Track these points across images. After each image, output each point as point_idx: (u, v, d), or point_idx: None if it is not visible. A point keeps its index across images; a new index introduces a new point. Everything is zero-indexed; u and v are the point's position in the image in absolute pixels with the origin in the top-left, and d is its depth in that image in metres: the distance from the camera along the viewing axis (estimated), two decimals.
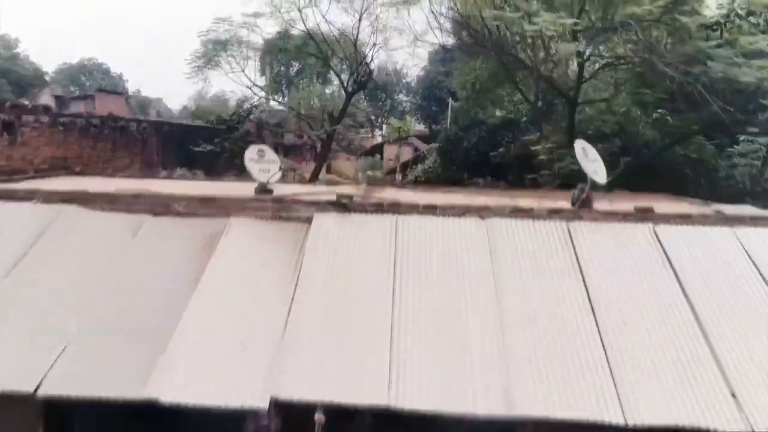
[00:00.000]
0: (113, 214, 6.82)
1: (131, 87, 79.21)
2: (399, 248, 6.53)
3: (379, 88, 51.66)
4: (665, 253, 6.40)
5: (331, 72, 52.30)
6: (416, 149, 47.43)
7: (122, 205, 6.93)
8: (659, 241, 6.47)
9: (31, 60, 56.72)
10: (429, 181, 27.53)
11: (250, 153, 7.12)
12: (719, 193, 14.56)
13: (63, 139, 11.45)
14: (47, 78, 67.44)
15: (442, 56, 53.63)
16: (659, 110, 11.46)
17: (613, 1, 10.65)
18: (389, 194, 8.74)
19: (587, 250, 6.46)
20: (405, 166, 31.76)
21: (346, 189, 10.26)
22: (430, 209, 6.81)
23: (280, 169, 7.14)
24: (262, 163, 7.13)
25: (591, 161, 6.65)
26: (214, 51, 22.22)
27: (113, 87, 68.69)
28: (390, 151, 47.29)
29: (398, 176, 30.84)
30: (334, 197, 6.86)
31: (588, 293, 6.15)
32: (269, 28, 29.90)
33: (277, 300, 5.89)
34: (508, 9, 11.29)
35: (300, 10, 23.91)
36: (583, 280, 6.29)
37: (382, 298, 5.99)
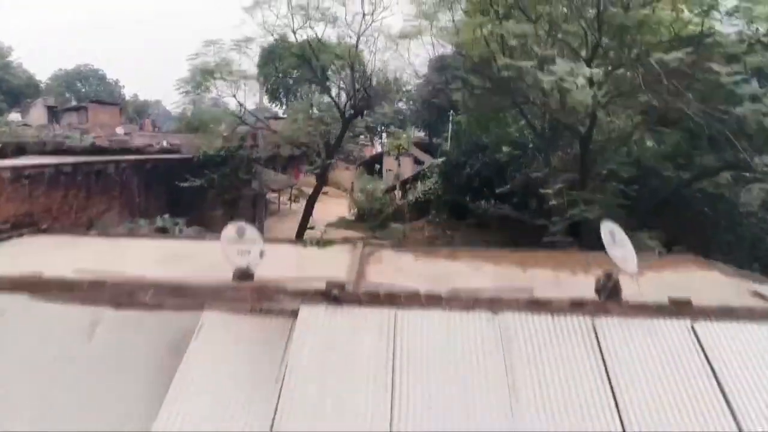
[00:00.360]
0: (69, 306, 5.95)
1: (129, 91, 78.54)
2: (398, 345, 5.68)
3: (379, 95, 51.00)
4: (705, 356, 5.56)
5: (331, 86, 51.37)
6: (416, 160, 46.61)
7: (80, 294, 6.05)
8: (698, 340, 5.62)
9: (24, 68, 55.97)
10: (429, 201, 26.83)
11: (228, 232, 6.23)
12: (740, 232, 13.70)
13: (28, 193, 10.41)
14: (42, 85, 66.77)
15: (441, 64, 52.95)
16: (679, 151, 10.64)
17: (631, 35, 9.81)
18: (387, 264, 7.84)
19: (615, 350, 5.61)
20: (405, 184, 30.89)
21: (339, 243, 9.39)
22: (434, 300, 5.94)
23: (261, 254, 6.24)
24: (242, 243, 6.26)
25: (619, 246, 5.78)
26: (203, 78, 21.29)
27: (109, 93, 67.97)
28: (390, 162, 46.45)
29: (398, 194, 30.00)
30: (323, 286, 5.99)
31: (615, 399, 5.34)
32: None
33: (257, 409, 5.08)
34: (521, 52, 10.49)
35: (294, 32, 23.08)
36: (610, 385, 5.46)
37: (380, 396, 5.20)
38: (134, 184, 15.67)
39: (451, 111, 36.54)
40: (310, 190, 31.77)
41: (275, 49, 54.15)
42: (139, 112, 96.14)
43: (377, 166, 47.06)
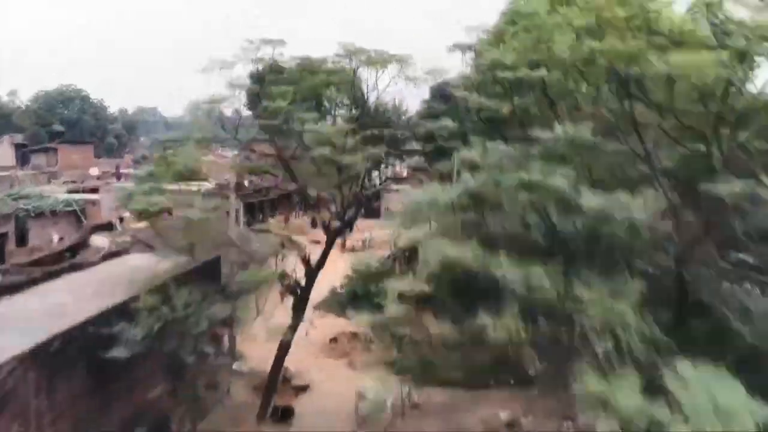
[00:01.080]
0: None
1: (119, 104, 75.07)
2: None
3: (378, 124, 47.62)
4: None
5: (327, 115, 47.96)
6: None
7: None
8: None
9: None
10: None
11: None
12: None
13: None
14: (23, 105, 63.56)
15: (445, 92, 49.62)
16: None
17: None
18: None
19: None
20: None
21: None
22: None
23: None
24: None
25: None
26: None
27: (93, 114, 64.74)
28: (390, 199, 43.28)
29: (399, 263, 26.63)
30: None
31: None
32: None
33: None
34: None
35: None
36: None
37: None
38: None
39: (455, 153, 33.34)
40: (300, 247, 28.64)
41: (266, 75, 51.18)
42: (128, 128, 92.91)
43: (375, 204, 43.84)
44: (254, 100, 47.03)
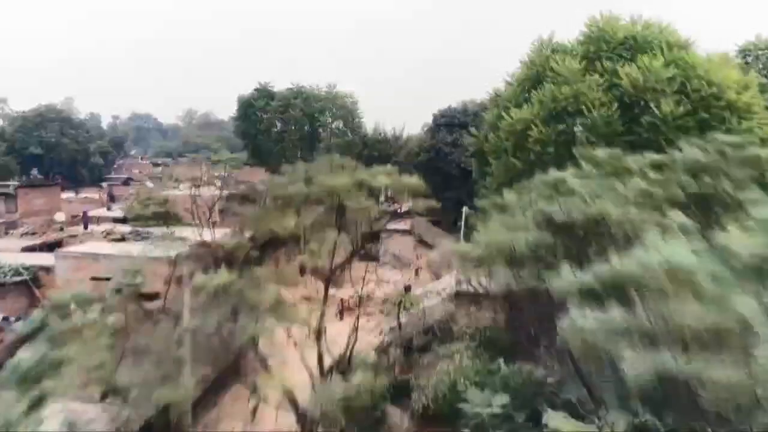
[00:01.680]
0: None
1: (113, 110, 71.32)
2: None
3: (375, 156, 43.96)
4: None
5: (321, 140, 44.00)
6: (421, 240, 39.83)
7: None
8: None
9: None
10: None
11: None
12: None
13: None
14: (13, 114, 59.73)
15: (449, 119, 46.10)
16: None
17: None
18: None
19: None
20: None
21: None
22: None
23: None
24: None
25: None
26: None
27: (73, 137, 60.98)
28: (390, 241, 39.65)
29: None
30: None
31: None
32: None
33: None
34: None
35: None
36: None
37: None
38: None
39: (465, 207, 29.58)
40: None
41: (255, 100, 47.40)
42: (117, 144, 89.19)
43: (374, 245, 40.21)
44: (241, 125, 42.61)
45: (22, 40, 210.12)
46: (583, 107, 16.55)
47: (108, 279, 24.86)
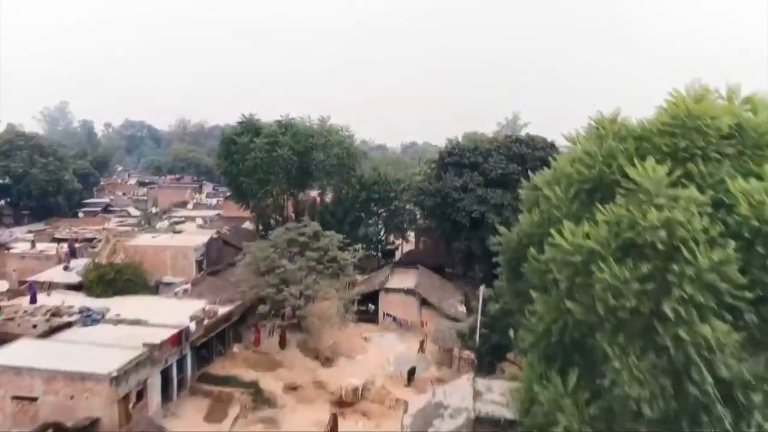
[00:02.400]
0: None
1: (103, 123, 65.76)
2: None
3: (375, 199, 38.80)
4: None
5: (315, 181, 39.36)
6: (424, 301, 34.55)
7: None
8: None
9: None
10: None
11: None
12: None
13: None
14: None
15: (457, 158, 40.45)
16: None
17: None
18: None
19: None
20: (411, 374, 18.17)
21: None
22: None
23: None
24: None
25: None
26: None
27: (43, 166, 55.47)
28: (389, 302, 34.46)
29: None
30: None
31: None
32: None
33: None
34: None
35: None
36: None
37: None
38: None
39: (483, 286, 24.38)
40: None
41: (238, 135, 41.85)
42: (100, 164, 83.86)
43: (371, 307, 35.02)
44: (223, 163, 37.25)
45: (17, 41, 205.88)
46: (681, 245, 11.31)
47: (35, 399, 19.78)
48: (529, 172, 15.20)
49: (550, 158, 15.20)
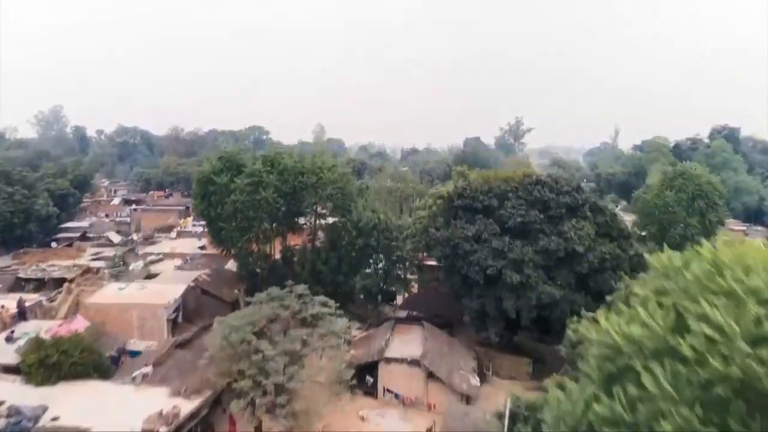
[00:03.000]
0: None
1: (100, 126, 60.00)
2: None
3: (373, 246, 33.48)
4: None
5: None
6: (430, 373, 29.55)
7: None
8: None
9: None
10: None
11: None
12: None
13: None
14: None
15: (468, 202, 35.14)
16: None
17: None
18: None
19: None
20: None
21: None
22: None
23: None
24: None
25: None
26: None
27: (8, 196, 50.25)
28: (391, 373, 29.42)
29: None
30: None
31: None
32: None
33: None
34: None
35: None
36: None
37: None
38: None
39: (508, 400, 19.29)
40: None
41: (217, 173, 36.48)
42: (81, 183, 78.36)
43: (369, 379, 30.00)
44: (200, 205, 32.12)
45: (15, 41, 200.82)
46: None
47: None
48: None
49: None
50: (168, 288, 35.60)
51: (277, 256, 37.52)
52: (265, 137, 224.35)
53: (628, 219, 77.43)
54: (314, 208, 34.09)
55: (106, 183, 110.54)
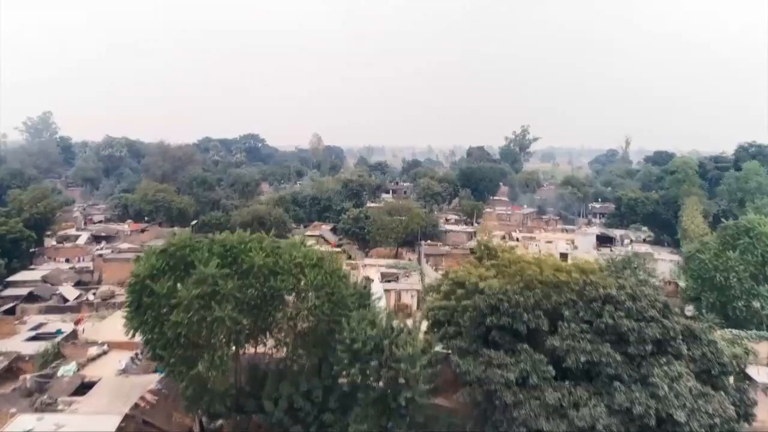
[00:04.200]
0: None
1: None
2: None
3: (370, 380, 23.77)
4: None
5: None
6: None
7: None
8: None
9: None
10: None
11: None
12: None
13: None
14: None
15: (507, 322, 24.89)
16: None
17: None
18: None
19: None
20: None
21: None
22: None
23: None
24: None
25: None
26: None
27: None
28: None
29: None
30: None
31: None
32: None
33: None
34: None
35: None
36: None
37: None
38: None
39: None
40: None
41: (157, 273, 25.55)
42: (43, 221, 68.36)
43: None
44: (134, 320, 21.90)
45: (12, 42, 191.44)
46: None
47: None
48: None
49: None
50: (94, 423, 25.97)
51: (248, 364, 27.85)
52: (260, 144, 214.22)
53: (665, 263, 67.60)
54: (291, 323, 24.39)
55: (84, 207, 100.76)
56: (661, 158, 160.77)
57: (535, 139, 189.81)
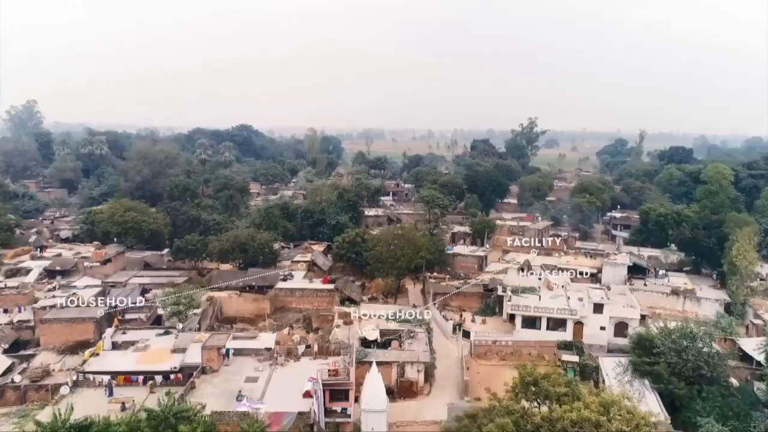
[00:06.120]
0: None
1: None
2: None
3: None
4: None
5: None
6: None
7: None
8: None
9: None
10: None
11: None
12: None
13: None
14: None
15: None
16: None
17: None
18: None
19: None
20: None
21: None
22: None
23: None
24: None
25: None
26: None
27: None
28: None
29: None
30: None
31: None
32: None
33: None
34: None
35: None
36: None
37: None
38: None
39: None
40: None
41: None
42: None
43: None
44: None
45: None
46: None
47: None
48: None
49: None
50: None
51: None
52: (255, 137, 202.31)
53: (710, 303, 56.48)
54: None
55: (52, 219, 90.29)
56: (677, 155, 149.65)
57: (543, 132, 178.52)
